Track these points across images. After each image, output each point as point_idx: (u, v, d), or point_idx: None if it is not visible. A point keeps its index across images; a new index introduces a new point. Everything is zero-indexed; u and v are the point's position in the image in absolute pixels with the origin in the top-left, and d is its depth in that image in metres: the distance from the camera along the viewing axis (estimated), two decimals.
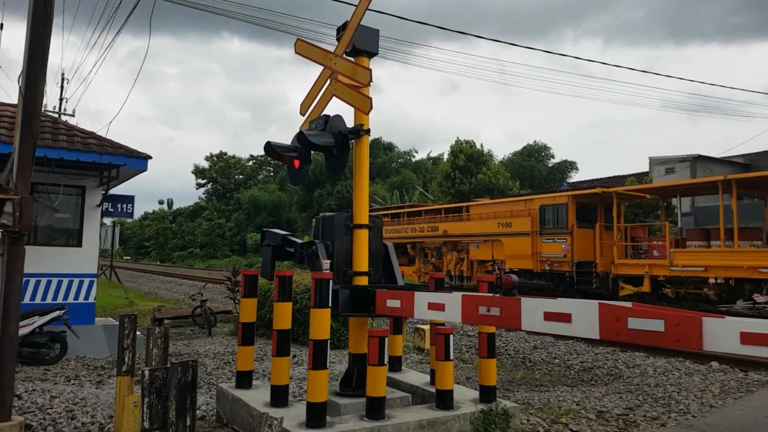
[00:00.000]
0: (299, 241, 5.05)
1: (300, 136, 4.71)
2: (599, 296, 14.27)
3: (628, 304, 3.38)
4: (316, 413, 3.87)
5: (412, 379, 5.33)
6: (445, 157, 36.01)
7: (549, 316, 3.54)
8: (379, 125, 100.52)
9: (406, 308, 4.23)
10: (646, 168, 27.76)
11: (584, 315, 3.41)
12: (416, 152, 55.52)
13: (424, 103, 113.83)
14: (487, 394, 4.59)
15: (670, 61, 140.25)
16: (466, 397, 4.71)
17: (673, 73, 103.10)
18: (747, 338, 2.84)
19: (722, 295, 13.33)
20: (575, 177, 48.77)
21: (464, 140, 30.88)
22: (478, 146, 31.41)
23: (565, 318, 3.48)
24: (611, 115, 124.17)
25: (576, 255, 15.82)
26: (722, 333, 2.91)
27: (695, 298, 14.36)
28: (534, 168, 47.51)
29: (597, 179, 33.91)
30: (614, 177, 31.44)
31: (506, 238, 17.91)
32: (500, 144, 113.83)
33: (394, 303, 4.30)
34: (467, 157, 29.49)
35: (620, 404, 5.61)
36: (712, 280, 12.95)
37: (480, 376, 4.73)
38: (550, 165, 50.95)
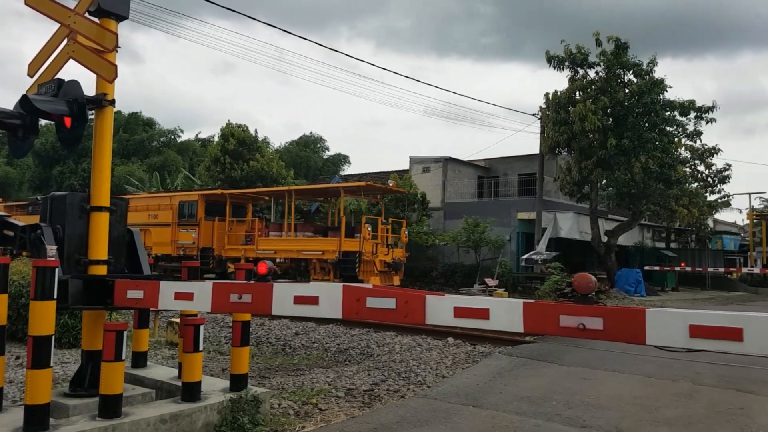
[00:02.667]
0: (20, 224, 4.39)
1: (24, 101, 4.09)
2: (219, 276, 18.83)
3: (369, 286, 3.73)
4: (36, 416, 3.46)
5: (158, 374, 5.09)
6: (216, 139, 34.72)
7: (299, 300, 3.72)
8: (139, 99, 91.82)
9: (150, 299, 4.01)
10: (407, 166, 30.73)
11: (330, 297, 3.65)
12: (182, 132, 52.25)
13: (193, 81, 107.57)
14: (238, 382, 4.62)
15: (432, 72, 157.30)
16: (216, 387, 4.67)
17: (434, 82, 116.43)
18: (458, 312, 3.38)
19: (288, 270, 18.00)
20: (348, 170, 51.55)
21: (236, 124, 30.13)
22: (252, 131, 30.98)
23: (313, 300, 3.69)
24: (382, 115, 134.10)
25: (201, 242, 19.68)
26: (441, 309, 3.40)
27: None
28: (310, 158, 48.82)
29: (366, 173, 36.35)
30: (380, 173, 34.08)
31: (154, 228, 20.68)
32: (277, 132, 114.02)
33: (135, 294, 4.05)
34: (239, 142, 28.84)
35: (368, 381, 6.17)
36: (279, 260, 17.56)
37: (231, 365, 4.74)
38: (325, 157, 52.90)
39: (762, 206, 44.84)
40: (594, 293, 3.15)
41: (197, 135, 53.76)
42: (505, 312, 3.23)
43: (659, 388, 5.93)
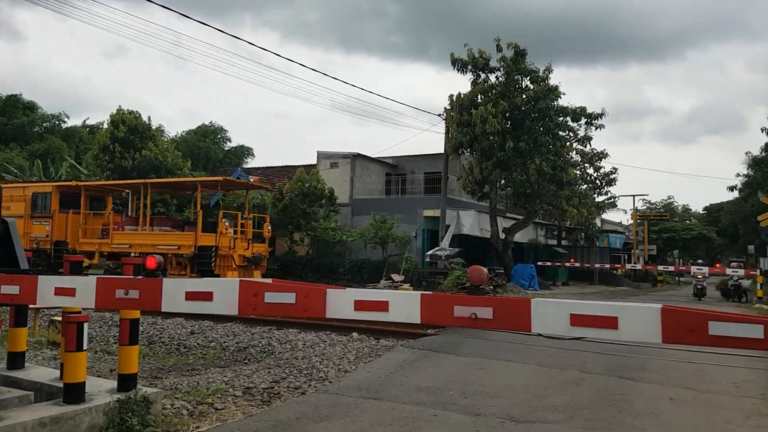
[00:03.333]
0: None
1: None
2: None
3: (268, 281, 3.67)
4: None
5: (37, 375, 4.72)
6: (105, 126, 32.48)
7: (191, 296, 3.58)
8: (19, 80, 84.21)
9: (27, 295, 3.70)
10: (314, 161, 30.51)
11: (225, 292, 3.55)
12: (68, 117, 48.31)
13: (82, 63, 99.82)
14: (126, 382, 4.38)
15: (341, 66, 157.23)
16: (102, 388, 4.40)
17: (342, 77, 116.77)
18: (359, 305, 3.41)
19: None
20: (251, 163, 50.27)
21: (128, 110, 28.32)
22: (145, 119, 29.30)
23: (207, 296, 3.57)
24: (288, 107, 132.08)
25: (55, 235, 19.24)
26: (342, 302, 3.42)
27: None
28: (209, 149, 47.01)
29: (271, 167, 35.68)
30: (286, 166, 33.59)
31: None
32: (173, 120, 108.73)
33: (10, 289, 3.72)
34: (130, 130, 27.14)
35: (268, 379, 6.07)
36: (134, 254, 17.05)
37: (119, 365, 4.49)
38: (226, 148, 51.17)
39: (644, 208, 49.22)
40: (487, 284, 3.31)
41: (84, 121, 50.07)
42: (404, 304, 3.31)
43: (549, 376, 6.32)
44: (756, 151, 31.42)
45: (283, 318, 9.75)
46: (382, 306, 3.34)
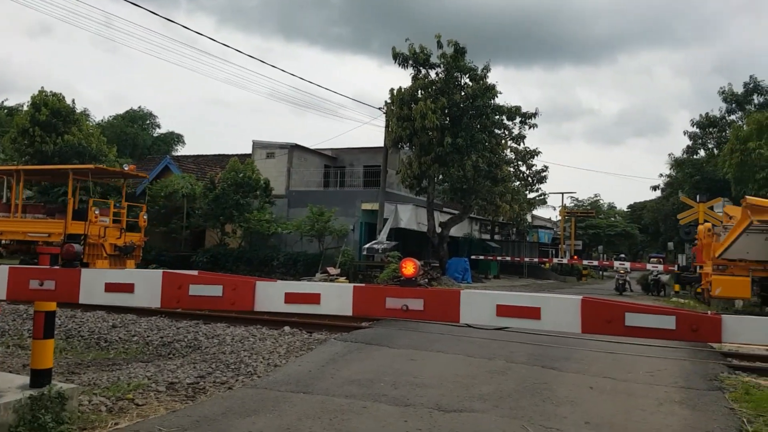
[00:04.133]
0: None
1: None
2: None
3: (195, 273, 3.57)
4: None
5: None
6: (25, 108, 30.49)
7: (111, 287, 3.44)
8: None
9: None
10: (250, 150, 29.87)
11: (147, 284, 3.43)
12: None
13: (1, 41, 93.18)
14: (39, 378, 4.15)
15: (280, 55, 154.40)
16: (13, 384, 4.15)
17: (282, 66, 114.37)
18: (290, 298, 3.38)
19: (16, 253, 18.17)
20: (181, 150, 48.63)
21: (51, 92, 26.70)
22: (69, 102, 27.72)
23: (128, 288, 3.44)
24: (224, 94, 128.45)
25: None
26: (272, 295, 3.37)
27: None
28: (137, 136, 45.14)
29: (203, 155, 34.65)
30: (220, 155, 32.72)
31: None
32: (100, 105, 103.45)
33: None
34: (53, 113, 25.59)
35: (193, 374, 5.91)
36: (5, 242, 17.81)
37: (32, 360, 4.25)
38: (155, 135, 49.26)
39: (572, 205, 51.38)
40: (421, 277, 3.36)
41: (2, 102, 46.80)
42: (336, 296, 3.31)
43: (477, 366, 6.50)
44: (678, 153, 33.46)
45: (212, 312, 9.51)
46: (314, 298, 3.32)
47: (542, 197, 38.14)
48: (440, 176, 24.17)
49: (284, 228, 24.06)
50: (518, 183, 30.78)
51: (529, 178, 31.33)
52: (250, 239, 25.61)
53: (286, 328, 8.96)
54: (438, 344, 7.62)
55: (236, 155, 27.83)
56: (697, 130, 30.87)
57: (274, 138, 31.94)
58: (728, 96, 29.38)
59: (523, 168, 30.92)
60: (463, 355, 7.04)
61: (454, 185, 25.01)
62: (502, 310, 3.09)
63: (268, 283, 3.40)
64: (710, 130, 30.29)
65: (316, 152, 31.18)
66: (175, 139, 50.06)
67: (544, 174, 31.61)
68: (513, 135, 25.27)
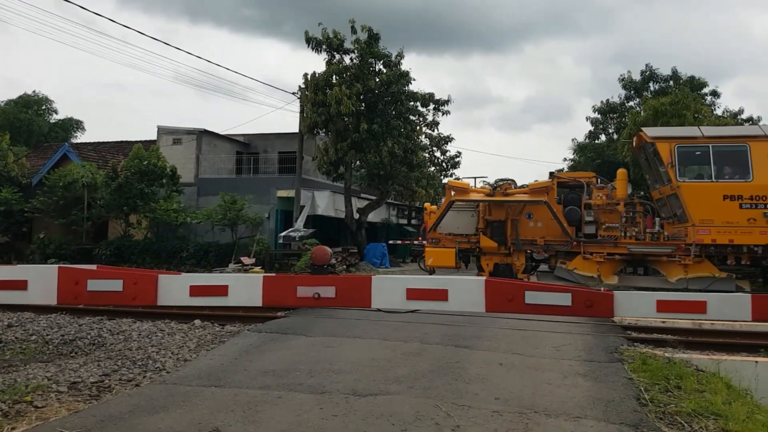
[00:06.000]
0: None
1: None
2: None
3: (93, 267, 3.41)
4: None
5: None
6: None
7: (2, 285, 3.22)
8: None
9: None
10: (155, 136, 28.50)
11: (42, 280, 3.25)
12: None
13: None
14: None
15: (186, 37, 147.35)
16: None
17: (187, 48, 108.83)
18: (195, 291, 3.32)
19: None
20: (81, 137, 45.71)
21: None
22: None
23: (20, 285, 3.25)
24: (126, 79, 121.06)
25: None
26: (176, 288, 3.30)
27: None
28: (32, 122, 41.98)
29: (104, 142, 32.70)
30: (122, 142, 31.01)
31: None
32: None
33: None
34: None
35: (97, 372, 5.66)
36: None
37: None
38: (52, 121, 45.98)
39: None
40: (339, 264, 3.39)
41: None
42: (245, 287, 3.29)
43: (393, 349, 6.64)
44: (581, 138, 35.53)
45: (117, 307, 9.07)
46: (221, 290, 3.29)
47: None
48: (357, 162, 24.28)
49: (194, 217, 23.27)
50: (433, 168, 31.56)
51: (444, 164, 32.21)
52: (156, 230, 24.57)
53: (197, 322, 8.70)
54: (355, 330, 7.71)
55: (140, 142, 26.52)
56: (599, 116, 32.88)
57: (180, 123, 30.66)
58: (627, 83, 31.46)
59: (438, 154, 31.75)
60: (379, 339, 7.16)
61: (371, 171, 25.23)
62: (412, 294, 3.21)
63: (172, 275, 3.33)
64: (610, 115, 32.35)
65: (227, 138, 30.28)
66: (73, 125, 46.95)
67: (457, 159, 32.65)
68: (427, 121, 25.81)
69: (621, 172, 14.49)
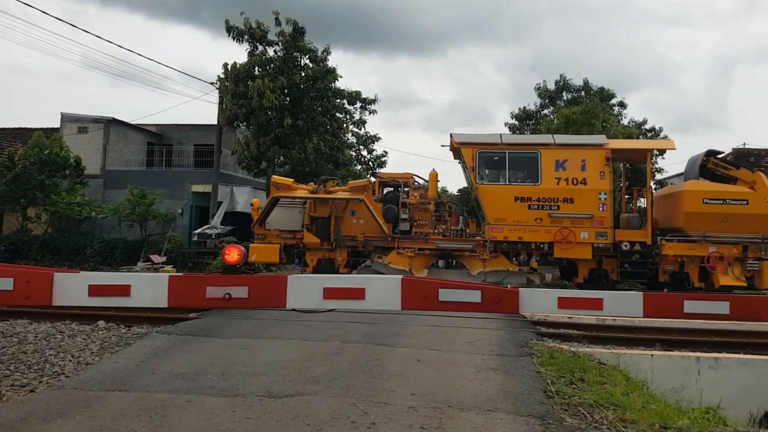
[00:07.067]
0: None
1: None
2: None
3: None
4: None
5: None
6: None
7: None
8: None
9: None
10: (58, 124, 26.78)
11: None
12: None
13: None
14: None
15: (95, 19, 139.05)
16: None
17: (97, 32, 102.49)
18: (95, 290, 3.14)
19: None
20: None
21: None
22: None
23: None
24: (27, 61, 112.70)
25: None
26: (73, 288, 3.12)
27: None
28: None
29: (0, 129, 30.31)
30: (21, 129, 28.87)
31: None
32: None
33: None
34: None
35: None
36: None
37: None
38: None
39: None
40: (242, 264, 3.32)
41: None
42: (149, 287, 3.16)
43: (312, 349, 6.59)
44: None
45: (10, 307, 8.44)
46: (123, 290, 3.14)
47: None
48: (280, 158, 23.91)
49: (99, 212, 22.07)
50: (360, 167, 31.64)
51: (370, 162, 32.37)
52: (58, 225, 23.09)
53: (101, 323, 8.26)
54: (273, 330, 7.59)
55: (41, 129, 24.80)
56: (516, 123, 34.24)
57: (87, 111, 29.00)
58: (542, 92, 32.97)
59: (365, 152, 31.86)
60: (298, 340, 7.09)
61: (296, 168, 24.93)
62: (329, 293, 3.20)
63: (69, 274, 3.14)
64: (527, 122, 33.77)
65: (138, 128, 28.96)
66: None
67: (384, 159, 32.90)
68: (354, 120, 25.84)
69: (432, 174, 15.50)
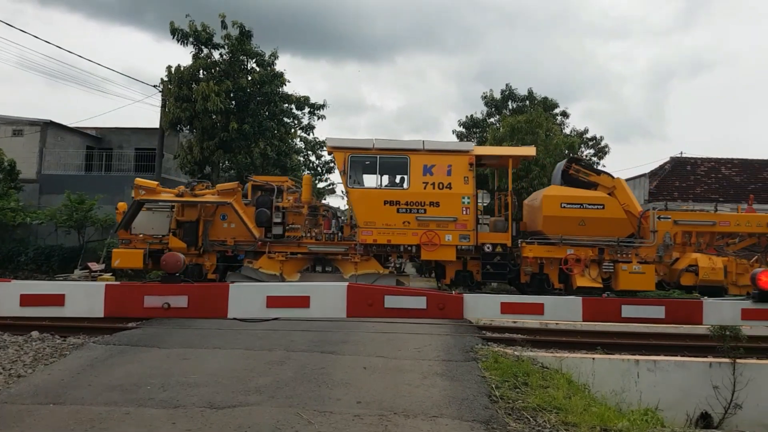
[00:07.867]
0: None
1: None
2: None
3: None
4: None
5: None
6: None
7: None
8: None
9: None
10: None
11: None
12: None
13: None
14: None
15: (33, 19, 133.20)
16: None
17: (34, 32, 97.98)
18: (27, 300, 3.00)
19: None
20: None
21: None
22: None
23: None
24: None
25: None
26: (3, 297, 2.96)
27: None
28: None
29: None
30: None
31: None
32: None
33: None
34: None
35: None
36: None
37: None
38: None
39: None
40: (182, 272, 3.25)
41: None
42: (85, 296, 3.04)
43: (256, 359, 6.50)
44: None
45: None
46: (56, 300, 3.01)
47: (331, 187, 39.48)
48: (226, 163, 23.45)
49: (34, 217, 21.03)
50: (308, 172, 31.41)
51: (318, 168, 32.20)
52: None
53: (34, 333, 7.89)
54: (215, 340, 7.44)
55: None
56: (463, 130, 34.83)
57: (22, 113, 27.62)
58: (489, 101, 33.68)
59: (313, 158, 31.69)
60: (241, 349, 6.98)
61: (242, 173, 24.49)
62: (273, 302, 3.17)
63: (0, 283, 2.99)
64: (474, 130, 34.39)
65: (77, 131, 27.84)
66: None
67: (332, 164, 32.78)
68: (302, 125, 25.65)
69: (306, 178, 15.72)
